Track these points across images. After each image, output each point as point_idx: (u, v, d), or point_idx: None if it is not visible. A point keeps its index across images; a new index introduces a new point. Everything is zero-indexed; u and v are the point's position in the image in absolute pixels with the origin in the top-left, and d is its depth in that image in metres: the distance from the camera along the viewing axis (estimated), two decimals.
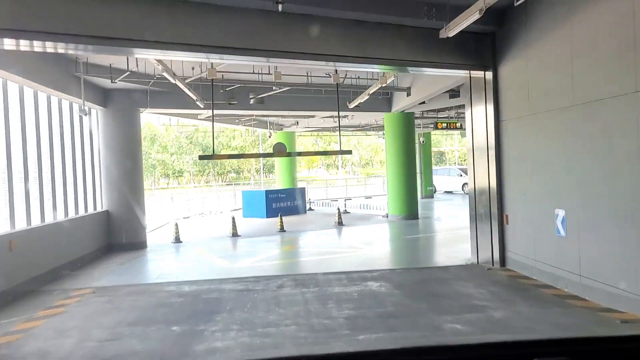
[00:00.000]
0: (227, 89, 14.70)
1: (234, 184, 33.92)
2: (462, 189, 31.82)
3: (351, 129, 27.62)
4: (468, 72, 10.24)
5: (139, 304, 8.15)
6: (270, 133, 22.13)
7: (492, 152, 9.87)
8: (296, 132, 26.41)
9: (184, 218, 22.99)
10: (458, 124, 21.13)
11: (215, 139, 47.20)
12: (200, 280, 9.54)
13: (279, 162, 26.55)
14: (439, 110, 22.09)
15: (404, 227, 17.38)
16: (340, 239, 15.49)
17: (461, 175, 32.32)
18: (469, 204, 10.69)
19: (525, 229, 9.02)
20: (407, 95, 16.52)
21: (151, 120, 57.56)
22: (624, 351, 1.05)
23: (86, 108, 11.86)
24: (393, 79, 11.44)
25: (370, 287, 8.65)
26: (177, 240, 15.33)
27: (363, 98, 14.82)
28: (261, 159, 51.96)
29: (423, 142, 27.27)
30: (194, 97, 13.41)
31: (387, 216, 19.76)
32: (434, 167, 34.16)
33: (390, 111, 18.61)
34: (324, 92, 16.57)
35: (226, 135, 57.00)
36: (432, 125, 21.20)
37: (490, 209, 9.95)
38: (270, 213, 21.44)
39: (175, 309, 7.75)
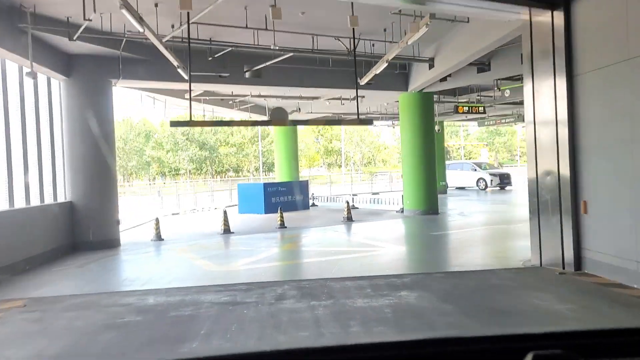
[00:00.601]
0: (217, 56, 12.23)
1: (231, 180, 31.33)
2: (477, 185, 29.34)
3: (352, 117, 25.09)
4: (528, 13, 7.78)
5: (77, 325, 5.69)
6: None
7: (563, 117, 7.42)
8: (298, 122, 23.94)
9: (173, 214, 20.53)
10: (481, 108, 18.72)
11: (213, 135, 44.28)
12: (173, 288, 7.09)
13: (279, 154, 24.07)
14: (458, 95, 19.66)
15: (425, 222, 14.93)
16: (353, 236, 13.02)
17: (475, 170, 29.84)
18: (528, 189, 8.22)
19: (617, 220, 6.56)
20: (430, 68, 14.06)
21: (147, 117, 55.16)
22: (621, 344, 1.01)
23: (35, 70, 9.42)
24: (426, 28, 8.97)
25: (406, 298, 6.19)
26: (158, 237, 12.88)
27: (380, 66, 12.37)
28: (260, 155, 49.65)
29: (438, 130, 24.79)
30: (175, 63, 10.96)
31: (403, 211, 17.31)
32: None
33: (407, 90, 16.15)
34: (332, 64, 14.12)
35: (224, 131, 54.59)
36: (452, 110, 18.78)
37: (560, 195, 7.49)
38: (269, 209, 18.99)
39: (125, 334, 5.29)
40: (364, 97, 18.25)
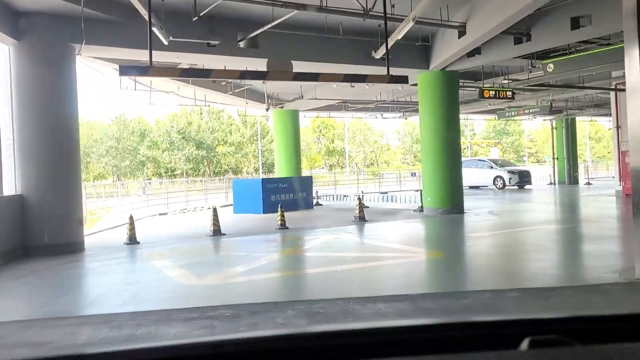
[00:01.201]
0: (203, 14, 9.93)
1: (226, 180, 28.94)
2: (494, 183, 27.00)
3: (360, 106, 22.77)
4: None
5: None
6: (269, 107, 17.45)
7: None
8: (300, 112, 21.63)
9: (160, 215, 18.23)
10: (509, 93, 16.45)
11: (211, 134, 41.84)
12: (124, 314, 4.82)
13: (278, 147, 21.75)
14: (483, 79, 17.36)
15: (453, 222, 12.63)
16: (371, 239, 10.71)
17: (492, 167, 27.50)
18: (632, 178, 5.90)
19: None
20: (459, 37, 11.78)
21: (143, 115, 52.84)
22: (617, 330, 0.99)
23: None
24: None
25: None
26: (132, 240, 10.57)
27: (405, 27, 10.09)
28: (260, 155, 47.39)
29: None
30: (152, 21, 8.66)
31: (422, 209, 15.02)
32: None
33: (427, 68, 13.85)
34: (342, 32, 11.85)
35: (222, 130, 52.36)
36: (476, 96, 16.50)
37: None
38: (269, 208, 16.70)
39: None
40: (371, 85, 15.94)
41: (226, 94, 16.56)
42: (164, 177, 52.91)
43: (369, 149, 64.18)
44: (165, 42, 9.93)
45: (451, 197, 14.30)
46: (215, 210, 11.77)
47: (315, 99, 17.82)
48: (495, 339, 0.93)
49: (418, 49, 13.50)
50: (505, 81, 16.87)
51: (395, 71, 13.75)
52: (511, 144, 67.06)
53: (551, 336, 0.89)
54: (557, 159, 29.26)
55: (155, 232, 12.61)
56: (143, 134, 50.36)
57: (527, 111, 21.87)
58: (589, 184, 27.54)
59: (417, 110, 23.52)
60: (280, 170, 21.23)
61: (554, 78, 15.99)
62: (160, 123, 51.36)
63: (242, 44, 11.20)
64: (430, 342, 0.94)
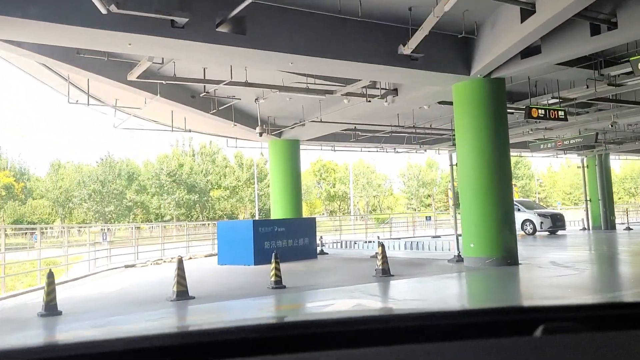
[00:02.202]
0: None
1: (213, 225, 25.30)
2: (522, 229, 23.42)
3: (370, 134, 19.51)
4: None
5: None
6: (262, 132, 14.11)
7: None
8: (302, 142, 18.31)
9: (126, 267, 14.61)
10: (561, 113, 13.23)
11: (204, 177, 38.28)
12: None
13: (275, 182, 18.32)
14: (530, 97, 14.17)
15: (519, 278, 9.13)
16: (411, 306, 7.13)
17: (519, 210, 23.94)
18: None
19: None
20: (522, 20, 8.57)
21: (132, 157, 49.91)
22: (631, 316, 1.01)
23: None
24: None
25: None
26: (50, 309, 6.98)
27: (447, 3, 6.89)
28: (256, 199, 44.02)
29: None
30: None
31: (460, 259, 11.52)
32: None
33: (468, 74, 10.60)
34: (361, 14, 8.63)
35: (216, 172, 49.12)
36: (523, 115, 13.19)
37: None
38: (261, 258, 13.16)
39: None
40: (395, 93, 12.73)
41: (208, 113, 13.25)
42: (154, 222, 49.22)
43: (372, 193, 60.75)
44: (103, 11, 6.67)
45: (502, 243, 10.78)
46: (180, 263, 8.19)
47: (320, 121, 14.50)
48: (510, 326, 0.93)
49: (458, 45, 10.29)
50: (554, 100, 13.65)
51: (427, 77, 10.56)
52: (522, 187, 63.81)
53: (565, 323, 0.91)
54: (590, 201, 25.84)
55: (98, 294, 9.03)
56: (131, 177, 47.05)
57: (567, 142, 18.62)
58: (629, 229, 24.01)
59: (437, 141, 20.30)
60: (277, 212, 17.74)
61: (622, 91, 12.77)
62: (149, 165, 48.16)
63: (222, 28, 7.97)
64: (445, 329, 0.94)
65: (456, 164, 11.53)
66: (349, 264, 13.18)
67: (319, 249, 16.38)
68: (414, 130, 17.93)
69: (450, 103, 13.02)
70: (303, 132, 17.04)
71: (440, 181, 60.63)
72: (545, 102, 13.91)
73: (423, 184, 59.95)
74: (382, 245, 10.09)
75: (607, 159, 25.31)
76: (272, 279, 8.80)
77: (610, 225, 24.88)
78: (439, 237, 23.72)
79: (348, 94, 12.11)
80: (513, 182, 55.80)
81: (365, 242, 18.85)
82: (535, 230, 22.97)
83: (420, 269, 11.12)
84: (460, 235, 11.75)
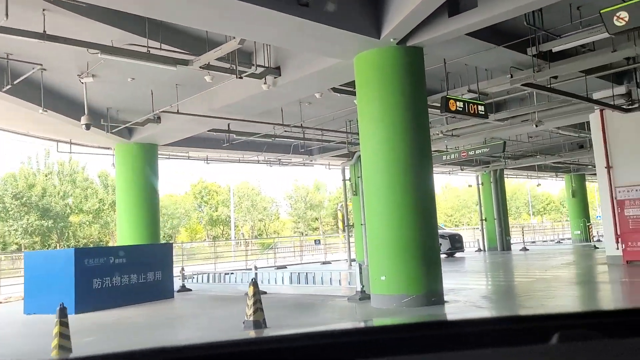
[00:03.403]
0: None
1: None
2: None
3: (251, 137, 16.16)
4: None
5: None
6: (88, 123, 9.76)
7: None
8: (160, 147, 14.30)
9: None
10: (481, 108, 10.74)
11: (60, 200, 32.20)
12: None
13: (122, 203, 14.08)
14: (448, 84, 11.59)
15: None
16: None
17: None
18: None
19: None
20: None
21: None
22: None
23: None
24: None
25: None
26: None
27: None
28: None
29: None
30: None
31: (365, 296, 8.35)
32: None
33: (378, 37, 7.55)
34: None
35: (76, 195, 42.59)
36: (440, 104, 10.47)
37: None
38: (87, 302, 9.20)
39: None
40: (277, 73, 9.42)
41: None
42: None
43: (257, 216, 56.96)
44: None
45: (425, 276, 7.73)
46: None
47: (177, 112, 10.73)
48: (526, 334, 0.92)
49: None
50: (472, 94, 11.15)
51: (319, 35, 7.34)
52: None
53: (581, 330, 0.89)
54: (485, 220, 24.36)
55: None
56: None
57: (471, 153, 16.48)
58: (525, 249, 22.68)
59: (327, 150, 17.25)
60: (125, 237, 13.50)
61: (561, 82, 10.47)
62: None
63: None
64: (461, 338, 0.92)
65: (348, 179, 8.46)
66: (213, 308, 9.50)
67: (180, 283, 12.49)
68: (301, 134, 14.74)
69: (349, 92, 9.99)
70: (161, 134, 13.12)
71: (329, 203, 58.47)
72: (461, 95, 11.37)
73: (311, 206, 57.39)
74: (255, 284, 6.53)
75: (501, 175, 24.01)
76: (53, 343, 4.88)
77: (506, 245, 23.48)
78: (329, 262, 20.71)
79: (210, 68, 8.54)
80: None
81: (246, 270, 15.22)
82: None
83: (311, 314, 7.74)
84: (359, 263, 8.58)
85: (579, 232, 27.64)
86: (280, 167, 20.47)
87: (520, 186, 66.04)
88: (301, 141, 15.69)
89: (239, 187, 56.88)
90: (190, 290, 12.46)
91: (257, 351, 0.87)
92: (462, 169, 23.37)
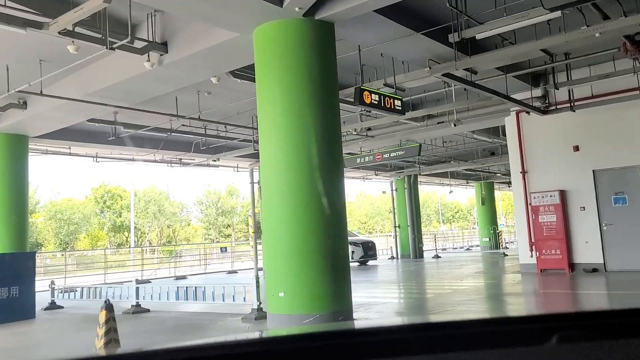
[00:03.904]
0: None
1: None
2: None
3: (136, 146, 14.39)
4: None
5: None
6: None
7: None
8: (32, 140, 12.15)
9: None
10: (398, 103, 9.73)
11: None
12: None
13: None
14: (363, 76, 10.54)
15: None
16: None
17: None
18: None
19: None
20: None
21: None
22: None
23: None
24: None
25: None
26: None
27: None
28: None
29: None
30: None
31: (262, 314, 7.03)
32: None
33: (281, 5, 6.28)
34: None
35: None
36: (354, 95, 9.24)
37: None
38: None
39: None
40: (164, 49, 7.89)
41: None
42: None
43: (165, 222, 53.80)
44: None
45: (331, 290, 6.49)
46: None
47: (41, 94, 8.83)
48: (525, 335, 0.91)
49: None
50: (389, 88, 10.16)
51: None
52: None
53: (580, 330, 0.89)
54: (399, 227, 23.84)
55: None
56: None
57: (386, 155, 15.64)
58: (437, 257, 22.34)
59: (231, 148, 15.70)
60: None
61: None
62: None
63: None
64: (461, 338, 0.91)
65: (258, 182, 7.21)
66: (77, 332, 7.74)
67: (49, 300, 10.53)
68: (203, 129, 13.18)
69: (252, 77, 8.65)
70: (29, 122, 11.07)
71: (242, 209, 56.49)
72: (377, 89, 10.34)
73: (222, 212, 55.18)
74: (109, 308, 4.95)
75: (415, 181, 23.60)
76: None
77: (419, 253, 23.05)
78: (236, 272, 19.14)
79: (73, 35, 6.85)
80: None
81: (140, 281, 13.29)
82: None
83: (190, 340, 6.25)
84: (261, 274, 7.23)
85: (487, 239, 27.95)
86: (185, 169, 18.70)
87: (431, 195, 67.59)
88: (202, 138, 14.09)
89: (146, 191, 53.58)
90: (61, 307, 10.51)
91: (258, 352, 0.86)
92: (376, 174, 22.67)
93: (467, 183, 29.02)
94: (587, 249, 11.79)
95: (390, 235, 27.06)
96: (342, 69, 10.69)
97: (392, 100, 9.70)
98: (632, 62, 9.91)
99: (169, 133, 12.89)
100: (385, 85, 10.18)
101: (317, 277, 6.37)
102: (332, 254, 6.54)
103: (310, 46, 6.81)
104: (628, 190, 11.41)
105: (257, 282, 7.53)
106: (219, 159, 15.25)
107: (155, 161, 16.35)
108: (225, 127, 13.50)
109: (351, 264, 19.78)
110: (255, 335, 0.96)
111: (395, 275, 16.08)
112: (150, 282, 16.42)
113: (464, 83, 8.92)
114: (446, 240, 37.58)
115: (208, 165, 17.58)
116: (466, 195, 61.99)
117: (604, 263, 11.57)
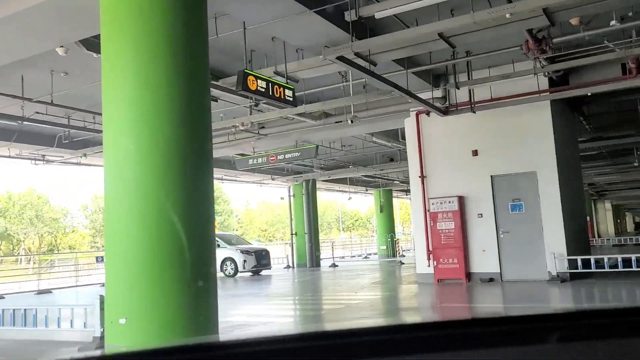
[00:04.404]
0: None
1: None
2: (222, 269, 18.55)
3: None
4: None
5: None
6: None
7: None
8: None
9: None
10: (289, 93, 8.46)
11: None
12: None
13: None
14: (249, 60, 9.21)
15: None
16: None
17: (218, 246, 19.02)
18: None
19: None
20: None
21: None
22: None
23: None
24: None
25: None
26: None
27: None
28: None
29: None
30: None
31: (101, 345, 5.46)
32: None
33: None
34: None
35: None
36: (237, 80, 7.71)
37: None
38: None
39: None
40: None
41: None
42: None
43: (44, 229, 48.80)
44: None
45: (189, 314, 5.08)
46: None
47: None
48: (524, 334, 0.90)
49: None
50: (280, 78, 8.95)
51: None
52: (221, 224, 60.76)
53: (580, 330, 0.89)
54: (296, 234, 22.77)
55: None
56: None
57: (280, 157, 14.43)
58: (334, 265, 21.50)
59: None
60: None
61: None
62: None
63: None
64: (461, 338, 0.90)
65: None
66: None
67: None
68: (66, 119, 11.19)
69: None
70: None
71: None
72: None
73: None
74: None
75: (314, 186, 22.65)
76: None
77: (315, 262, 22.09)
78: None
79: None
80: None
81: None
82: (237, 270, 18.31)
83: None
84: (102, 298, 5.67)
85: (384, 247, 27.68)
86: (54, 167, 16.30)
87: (332, 203, 67.72)
88: (66, 130, 12.07)
89: (23, 194, 48.34)
90: None
91: (257, 351, 0.85)
92: (273, 179, 21.43)
93: (367, 190, 28.66)
94: (484, 258, 11.30)
95: (288, 243, 25.97)
96: (226, 53, 9.39)
97: (282, 89, 8.50)
98: (533, 63, 9.49)
99: (20, 122, 10.77)
100: (276, 73, 8.98)
101: (170, 299, 4.93)
102: (194, 270, 5.13)
103: (173, 11, 5.40)
104: (525, 197, 11.06)
105: (102, 303, 5.94)
106: (86, 155, 13.20)
107: (10, 157, 13.91)
108: (93, 117, 11.60)
109: (243, 275, 18.53)
110: (253, 334, 0.89)
111: (287, 286, 14.90)
112: (4, 297, 14.00)
113: (361, 70, 7.90)
114: (345, 248, 37.17)
115: (79, 163, 15.37)
116: (367, 203, 62.60)
117: (500, 272, 11.13)
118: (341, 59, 7.76)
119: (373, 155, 19.18)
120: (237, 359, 0.84)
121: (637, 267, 10.06)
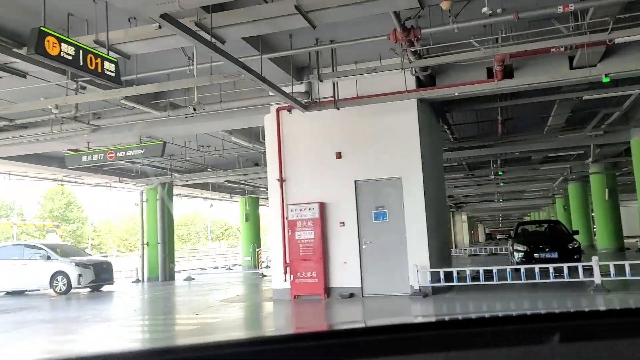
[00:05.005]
0: None
1: None
2: (52, 285, 15.75)
3: None
4: None
5: None
6: None
7: None
8: None
9: None
10: (110, 65, 6.65)
11: None
12: None
13: None
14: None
15: None
16: None
17: (49, 258, 16.14)
18: None
19: None
20: None
21: None
22: None
23: None
24: None
25: None
26: None
27: None
28: None
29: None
30: None
31: None
32: None
33: None
34: None
35: None
36: (29, 39, 5.69)
37: None
38: None
39: None
40: None
41: None
42: None
43: None
44: None
45: None
46: None
47: None
48: (526, 334, 0.91)
49: None
50: (99, 47, 7.10)
51: None
52: (73, 232, 54.91)
53: (581, 330, 0.88)
54: (148, 244, 20.38)
55: None
56: None
57: (121, 154, 12.28)
58: (190, 278, 19.50)
59: None
60: None
61: None
62: None
63: None
64: (461, 338, 0.91)
65: None
66: None
67: None
68: None
69: None
70: None
71: None
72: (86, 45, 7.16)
73: None
74: None
75: (171, 190, 20.44)
76: None
77: (169, 275, 19.89)
78: None
79: None
80: (55, 224, 46.26)
81: None
82: (70, 286, 15.62)
83: None
84: None
85: (249, 258, 26.16)
86: None
87: (201, 211, 64.78)
88: None
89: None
90: None
91: (257, 351, 0.87)
92: (120, 181, 18.93)
93: (231, 197, 26.95)
94: (345, 271, 10.25)
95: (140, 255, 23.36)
96: (34, 13, 7.33)
97: (99, 60, 6.67)
98: (401, 57, 8.65)
99: None
100: (97, 43, 7.13)
101: None
102: None
103: None
104: (388, 205, 10.20)
105: None
106: None
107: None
108: None
109: (80, 290, 15.89)
110: (253, 335, 0.94)
111: (127, 305, 12.73)
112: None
113: (201, 41, 6.33)
114: (213, 258, 35.03)
115: None
116: (237, 213, 60.79)
117: (362, 287, 10.15)
118: (178, 25, 6.16)
119: (235, 158, 17.64)
120: (237, 359, 0.83)
121: (498, 280, 9.63)
